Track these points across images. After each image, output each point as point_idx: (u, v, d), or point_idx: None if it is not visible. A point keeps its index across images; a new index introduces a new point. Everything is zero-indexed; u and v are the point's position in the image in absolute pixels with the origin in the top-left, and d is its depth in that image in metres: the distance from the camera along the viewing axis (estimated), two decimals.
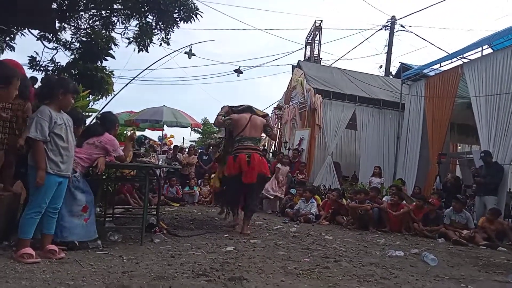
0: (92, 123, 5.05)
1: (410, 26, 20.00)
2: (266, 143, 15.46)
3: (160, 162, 5.63)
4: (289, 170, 9.68)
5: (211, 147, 11.49)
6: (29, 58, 7.89)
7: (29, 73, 7.87)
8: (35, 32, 7.93)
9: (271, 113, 15.39)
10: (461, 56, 9.68)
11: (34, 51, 7.90)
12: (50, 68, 7.93)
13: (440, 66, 10.65)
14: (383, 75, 16.39)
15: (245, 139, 5.53)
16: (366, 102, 12.33)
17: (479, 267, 4.51)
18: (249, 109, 5.85)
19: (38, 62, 7.90)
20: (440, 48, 30.01)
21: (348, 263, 4.16)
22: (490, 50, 9.03)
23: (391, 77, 16.24)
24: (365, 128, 12.24)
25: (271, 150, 14.08)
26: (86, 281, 2.93)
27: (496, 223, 6.66)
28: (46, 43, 8.08)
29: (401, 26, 17.41)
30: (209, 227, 6.10)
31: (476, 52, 9.28)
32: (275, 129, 5.91)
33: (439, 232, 6.85)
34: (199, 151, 12.68)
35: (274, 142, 14.97)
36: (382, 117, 12.42)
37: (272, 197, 9.20)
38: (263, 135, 6.72)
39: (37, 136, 3.38)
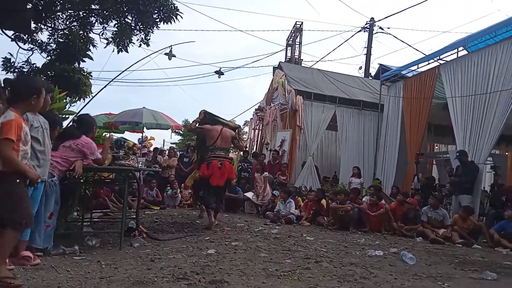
0: (68, 125, 4.94)
1: (389, 28, 20.33)
2: (247, 145, 15.47)
3: (140, 165, 5.59)
4: (266, 174, 9.69)
5: (190, 149, 11.42)
6: (3, 59, 7.65)
7: (2, 75, 7.66)
8: (9, 32, 7.71)
9: (253, 114, 15.42)
10: (438, 57, 9.91)
11: (8, 52, 7.66)
12: (25, 70, 7.70)
13: (418, 68, 10.88)
14: (363, 76, 16.61)
15: (217, 149, 6.39)
16: (346, 103, 12.46)
17: (455, 265, 4.63)
18: (221, 123, 6.66)
19: (12, 64, 7.66)
20: (417, 50, 30.69)
21: (328, 263, 4.21)
22: (465, 52, 9.29)
23: (371, 78, 16.48)
24: (346, 129, 12.37)
25: (252, 151, 14.09)
26: (62, 287, 2.87)
27: (469, 221, 6.84)
28: (21, 44, 7.86)
29: (380, 28, 17.72)
30: (190, 230, 6.06)
31: (452, 54, 9.52)
32: (242, 141, 6.79)
33: (417, 231, 6.99)
34: (180, 153, 12.57)
35: (255, 143, 15.04)
36: (362, 118, 12.57)
37: (258, 204, 9.23)
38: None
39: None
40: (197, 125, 6.68)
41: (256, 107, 15.23)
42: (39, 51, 7.93)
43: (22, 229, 3.01)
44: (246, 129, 29.99)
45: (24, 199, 2.95)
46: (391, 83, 12.09)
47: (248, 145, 15.52)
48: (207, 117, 6.72)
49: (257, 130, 15.27)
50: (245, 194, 9.73)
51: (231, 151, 8.78)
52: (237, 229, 6.59)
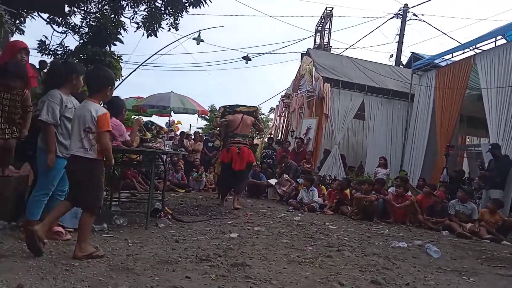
0: None
1: (423, 15, 19.75)
2: (272, 132, 15.46)
3: (167, 148, 5.70)
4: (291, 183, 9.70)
5: (215, 136, 11.56)
6: (38, 42, 7.90)
7: (38, 57, 7.92)
8: (45, 15, 7.93)
9: (279, 101, 15.35)
10: (474, 46, 9.52)
11: (43, 35, 7.91)
12: (59, 52, 7.93)
13: (452, 57, 10.50)
14: (394, 65, 16.19)
15: (236, 136, 7.02)
16: (375, 92, 12.23)
17: (482, 260, 4.52)
18: (241, 111, 7.27)
19: (47, 46, 7.91)
20: (452, 38, 29.62)
21: (350, 252, 4.19)
22: (504, 41, 8.86)
23: (402, 67, 16.05)
24: (373, 118, 12.16)
25: (277, 139, 14.08)
26: (91, 263, 2.99)
27: (498, 215, 6.63)
28: (55, 27, 8.08)
29: (414, 14, 17.16)
30: (214, 214, 6.17)
31: (489, 43, 9.12)
32: (261, 123, 7.67)
33: (444, 225, 6.84)
34: (205, 138, 12.73)
35: (281, 130, 15.02)
36: (391, 108, 12.32)
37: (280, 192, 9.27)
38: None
39: (48, 120, 3.42)
40: (220, 119, 7.36)
41: (283, 93, 15.14)
42: (72, 34, 8.14)
43: (98, 213, 3.37)
44: (272, 116, 30.06)
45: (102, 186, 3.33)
46: (423, 72, 11.74)
47: (273, 132, 15.51)
48: (226, 110, 7.41)
49: (282, 117, 15.22)
50: (269, 180, 9.77)
51: (256, 137, 9.07)
52: (260, 214, 6.65)
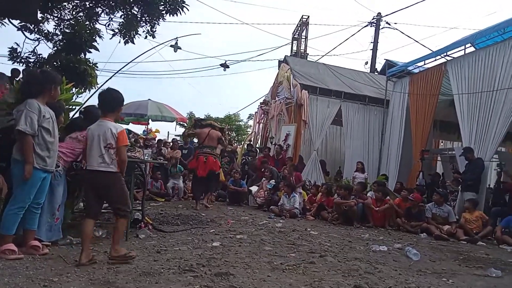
0: (75, 117, 4.96)
1: (396, 23, 20.19)
2: (252, 139, 15.48)
3: (146, 157, 5.61)
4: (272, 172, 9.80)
5: (187, 139, 11.65)
6: (9, 49, 7.68)
7: (9, 65, 7.67)
8: (16, 22, 7.71)
9: (258, 108, 15.40)
10: (445, 54, 9.85)
11: (15, 42, 7.69)
12: (31, 60, 7.73)
13: (424, 64, 10.81)
14: (369, 72, 16.54)
15: (204, 147, 8.11)
16: (351, 98, 12.43)
17: (459, 262, 4.64)
18: (209, 125, 8.40)
19: (19, 54, 7.68)
20: (424, 46, 30.54)
21: (333, 258, 4.23)
22: (473, 49, 9.22)
23: (377, 73, 16.40)
24: (351, 124, 12.35)
25: (257, 146, 14.11)
26: (71, 277, 2.90)
27: (477, 212, 6.87)
28: (27, 34, 7.87)
29: (387, 23, 17.61)
30: (195, 223, 6.10)
31: (459, 50, 9.46)
32: (226, 141, 8.71)
33: (422, 227, 7.00)
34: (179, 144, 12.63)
35: (259, 137, 15.07)
36: (367, 113, 12.54)
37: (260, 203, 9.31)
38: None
39: (26, 130, 3.31)
40: (189, 131, 8.73)
41: (261, 100, 15.22)
42: (45, 41, 7.94)
43: (128, 217, 3.80)
44: (251, 122, 30.14)
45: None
46: (397, 78, 12.04)
47: (252, 139, 15.54)
48: (198, 123, 8.58)
49: (262, 124, 15.27)
50: (250, 188, 9.77)
51: (236, 144, 9.54)
52: (241, 222, 6.63)
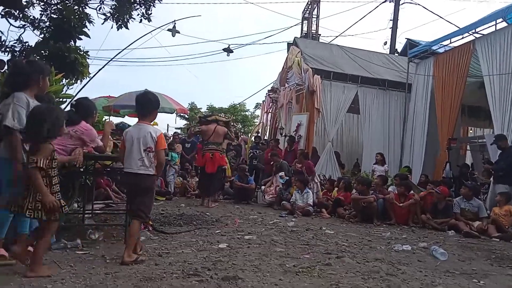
0: (66, 110, 5.00)
1: None
2: (260, 130, 15.49)
3: None
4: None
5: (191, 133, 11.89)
6: None
7: None
8: None
9: (265, 96, 15.38)
10: (473, 31, 9.70)
11: None
12: (17, 49, 7.78)
13: (450, 42, 10.68)
14: (388, 53, 16.40)
15: (210, 143, 8.63)
16: (369, 83, 12.36)
17: (492, 261, 4.62)
18: (214, 120, 8.88)
19: (3, 42, 7.73)
20: (450, 22, 29.92)
21: (351, 259, 4.24)
22: (505, 24, 9.05)
23: (397, 54, 16.26)
24: (369, 111, 12.30)
25: (265, 138, 14.11)
26: (66, 284, 2.95)
27: (506, 207, 6.80)
28: (12, 21, 7.91)
29: None
30: (199, 223, 6.14)
31: (489, 26, 9.31)
32: (232, 134, 9.44)
33: (449, 224, 6.96)
34: (181, 137, 12.70)
35: (268, 129, 15.09)
36: (387, 99, 12.47)
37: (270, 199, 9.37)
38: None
39: (14, 125, 3.34)
40: (195, 129, 9.45)
41: (269, 88, 15.17)
42: (31, 28, 7.97)
43: (146, 221, 4.23)
44: (258, 112, 30.12)
45: None
46: (420, 60, 11.91)
47: (260, 130, 15.54)
48: (202, 120, 9.10)
49: (270, 114, 15.25)
50: (279, 175, 9.76)
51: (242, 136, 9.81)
52: (250, 221, 6.66)
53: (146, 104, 3.98)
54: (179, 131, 21.80)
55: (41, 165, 3.08)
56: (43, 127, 3.14)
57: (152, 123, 4.16)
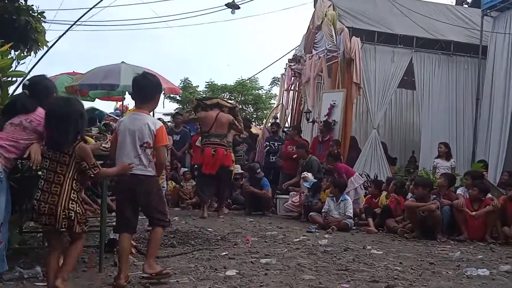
0: (17, 93, 5.05)
1: None
2: (278, 114, 15.48)
3: None
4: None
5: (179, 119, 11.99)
6: None
7: None
8: None
9: (285, 68, 15.33)
10: None
11: None
12: None
13: None
14: (454, 4, 16.19)
15: (212, 136, 8.76)
16: (428, 46, 12.28)
17: None
18: (216, 105, 9.07)
19: None
20: None
21: None
22: None
23: (466, 5, 16.05)
24: (428, 85, 12.22)
25: (285, 126, 14.10)
26: None
27: None
28: None
29: None
30: (199, 242, 6.19)
31: None
32: (241, 122, 9.58)
33: None
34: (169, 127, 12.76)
35: (290, 111, 15.07)
36: (454, 68, 12.38)
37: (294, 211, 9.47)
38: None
39: None
40: (190, 115, 9.40)
41: (290, 57, 15.12)
42: None
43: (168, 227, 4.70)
44: (276, 90, 30.09)
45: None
46: (499, 12, 11.72)
47: (279, 114, 15.52)
48: (201, 104, 9.19)
49: (292, 92, 15.21)
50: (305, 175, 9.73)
51: (254, 124, 9.93)
52: (267, 239, 6.69)
53: (146, 88, 4.24)
54: (168, 118, 21.85)
55: None
56: None
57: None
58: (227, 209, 9.48)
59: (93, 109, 14.30)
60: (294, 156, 10.30)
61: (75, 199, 3.69)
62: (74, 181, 3.72)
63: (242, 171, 10.45)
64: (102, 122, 9.91)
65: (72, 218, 3.63)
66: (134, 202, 4.18)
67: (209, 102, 9.26)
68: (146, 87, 4.25)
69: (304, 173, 9.44)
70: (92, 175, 3.81)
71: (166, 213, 4.34)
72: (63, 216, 3.58)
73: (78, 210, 3.69)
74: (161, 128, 4.12)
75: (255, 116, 31.28)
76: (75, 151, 3.70)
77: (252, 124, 16.04)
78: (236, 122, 9.13)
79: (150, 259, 4.13)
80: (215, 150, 8.65)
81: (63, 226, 3.61)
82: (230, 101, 9.76)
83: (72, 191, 3.68)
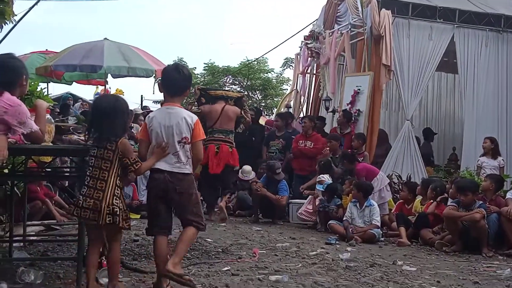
0: None
1: None
2: (291, 101, 15.47)
3: None
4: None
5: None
6: None
7: None
8: None
9: (300, 47, 15.29)
10: None
11: None
12: None
13: None
14: None
15: (216, 131, 9.19)
16: (473, 22, 12.23)
17: None
18: (222, 97, 9.54)
19: None
20: None
21: None
22: None
23: None
24: (473, 68, 12.17)
25: (300, 116, 14.07)
26: None
27: None
28: None
29: None
30: (195, 255, 6.19)
31: None
32: (248, 113, 10.01)
33: None
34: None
35: (306, 98, 15.07)
36: (504, 48, 12.33)
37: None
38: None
39: None
40: (193, 107, 9.42)
41: (306, 33, 15.07)
42: None
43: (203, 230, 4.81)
44: (289, 74, 29.97)
45: None
46: None
47: (292, 102, 15.49)
48: (204, 95, 9.59)
49: (308, 76, 15.19)
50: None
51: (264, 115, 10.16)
52: (278, 252, 6.69)
53: (179, 81, 4.52)
54: (158, 106, 21.85)
55: None
56: None
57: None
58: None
59: (70, 94, 14.36)
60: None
61: (119, 195, 4.19)
62: (118, 178, 4.20)
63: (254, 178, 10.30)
64: (80, 110, 9.91)
65: (118, 213, 4.09)
66: (169, 201, 4.45)
67: (213, 93, 9.69)
68: (179, 80, 4.51)
69: (321, 176, 9.42)
70: (133, 170, 4.30)
71: (202, 216, 4.61)
72: (108, 211, 4.05)
73: (121, 206, 4.16)
74: (198, 121, 4.46)
75: (263, 104, 31.24)
76: (118, 147, 4.15)
77: (263, 115, 16.02)
78: (243, 114, 9.52)
79: (176, 257, 4.29)
80: (219, 147, 9.08)
81: (107, 221, 4.05)
82: (235, 92, 9.78)
83: (116, 187, 4.17)
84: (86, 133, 4.88)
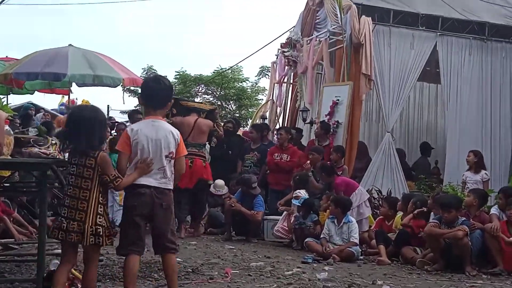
0: None
1: None
2: (267, 112, 15.50)
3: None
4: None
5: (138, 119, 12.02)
6: None
7: None
8: None
9: (277, 55, 15.34)
10: None
11: None
12: None
13: None
14: None
15: (189, 145, 8.71)
16: (457, 30, 12.37)
17: None
18: (195, 110, 9.84)
19: None
20: None
21: None
22: None
23: None
24: (456, 78, 12.29)
25: (276, 128, 14.10)
26: None
27: None
28: None
29: None
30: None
31: None
32: (221, 127, 10.67)
33: None
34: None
35: (281, 112, 15.11)
36: (489, 57, 12.47)
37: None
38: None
39: None
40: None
41: (283, 40, 15.14)
42: None
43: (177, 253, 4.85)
44: (265, 83, 29.98)
45: None
46: None
47: (268, 113, 15.52)
48: (176, 106, 9.48)
49: (284, 85, 15.22)
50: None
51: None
52: (251, 272, 6.68)
53: (161, 93, 4.65)
54: (125, 116, 21.78)
55: None
56: None
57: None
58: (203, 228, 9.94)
59: (32, 104, 14.26)
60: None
61: (102, 213, 4.23)
62: (100, 194, 4.25)
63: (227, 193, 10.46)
64: (41, 121, 9.85)
65: (100, 234, 4.14)
66: (150, 218, 4.49)
67: (185, 104, 10.00)
68: (161, 92, 4.64)
69: (297, 191, 9.41)
70: (113, 188, 4.37)
71: (175, 235, 4.77)
72: (91, 232, 4.10)
73: (105, 223, 4.23)
74: (181, 136, 4.66)
75: (237, 115, 31.23)
76: (97, 163, 4.19)
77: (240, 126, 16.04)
78: (216, 126, 9.94)
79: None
80: (192, 161, 9.23)
81: (90, 242, 4.11)
82: (207, 104, 10.71)
83: (99, 206, 4.22)
84: (60, 145, 4.88)
